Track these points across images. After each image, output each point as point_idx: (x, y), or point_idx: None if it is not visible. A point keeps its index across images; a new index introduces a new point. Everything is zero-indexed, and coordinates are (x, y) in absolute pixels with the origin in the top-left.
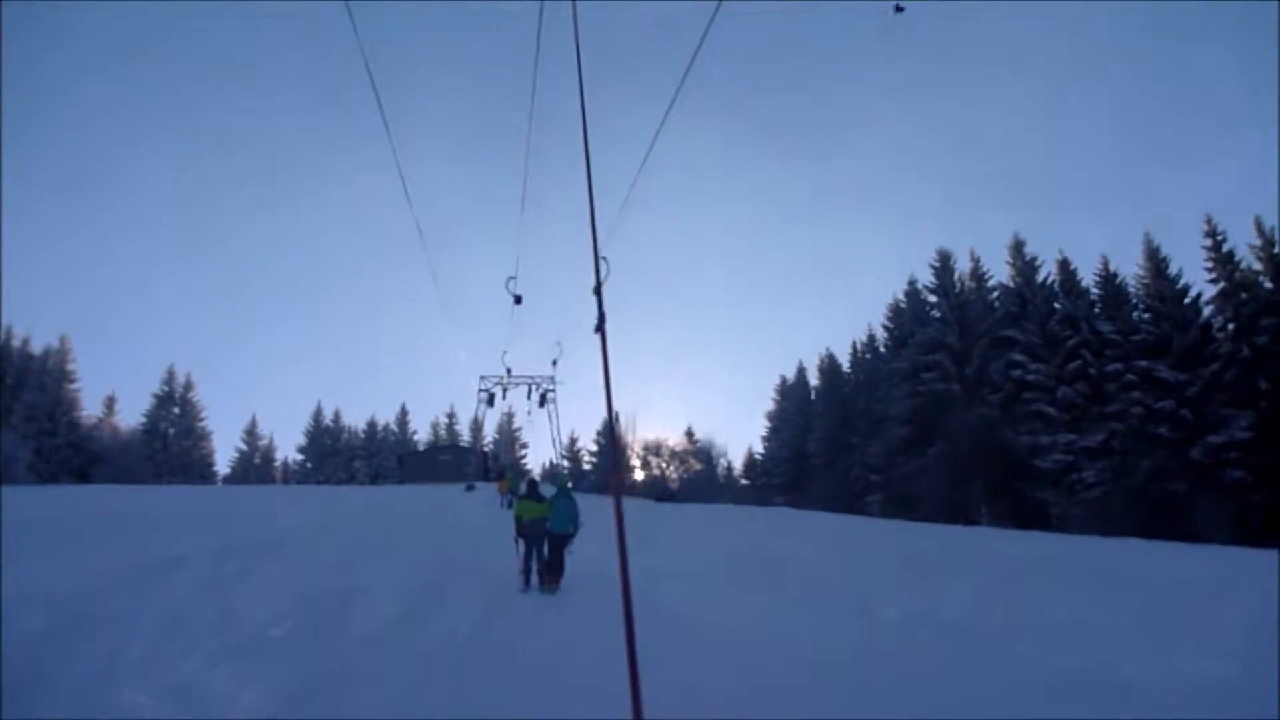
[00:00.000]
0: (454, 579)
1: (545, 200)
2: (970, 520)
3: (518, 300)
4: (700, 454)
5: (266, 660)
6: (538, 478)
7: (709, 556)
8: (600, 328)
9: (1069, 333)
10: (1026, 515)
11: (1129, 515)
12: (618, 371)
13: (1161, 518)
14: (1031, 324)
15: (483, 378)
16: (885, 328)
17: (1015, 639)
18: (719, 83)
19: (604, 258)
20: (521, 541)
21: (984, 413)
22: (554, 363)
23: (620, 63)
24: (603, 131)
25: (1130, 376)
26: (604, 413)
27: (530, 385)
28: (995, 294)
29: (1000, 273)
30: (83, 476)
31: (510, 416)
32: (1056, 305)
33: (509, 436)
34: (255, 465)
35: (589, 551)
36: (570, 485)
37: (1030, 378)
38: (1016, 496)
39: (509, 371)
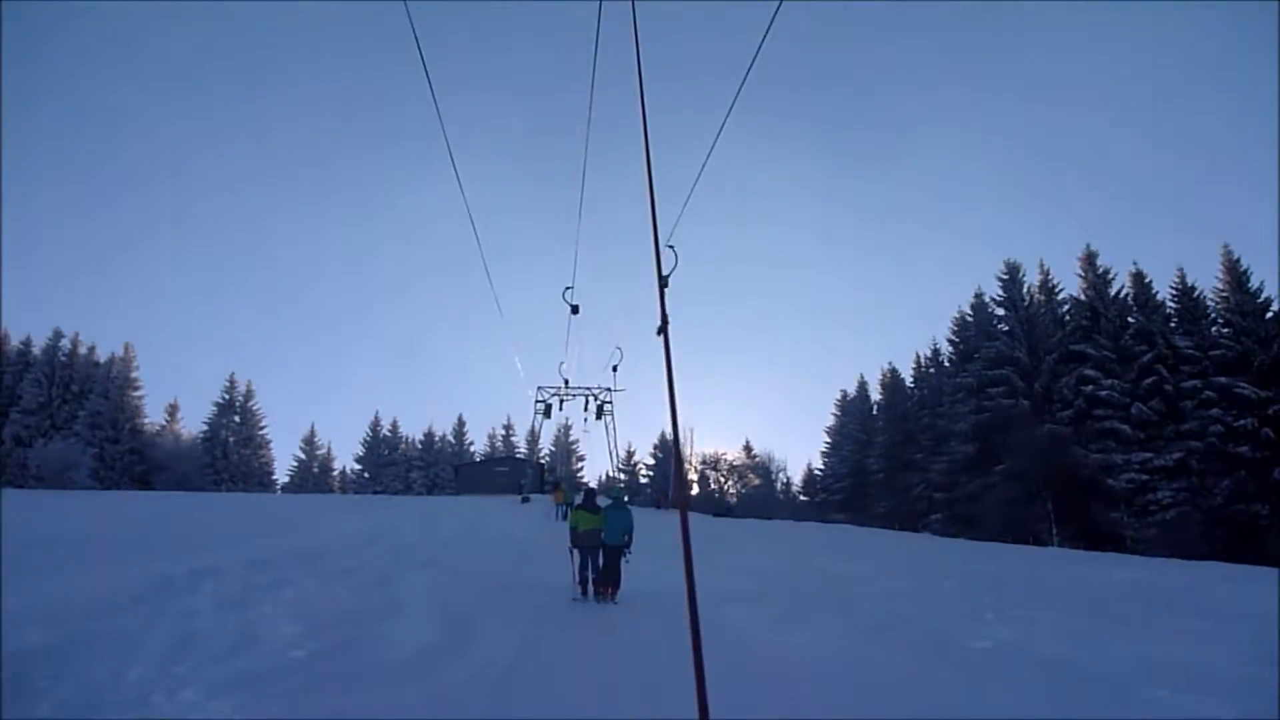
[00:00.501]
0: (501, 596)
1: (603, 207)
2: (1039, 541)
3: (575, 310)
4: (759, 469)
5: (277, 690)
6: (594, 489)
7: (772, 576)
8: (663, 328)
9: (1143, 347)
10: (1098, 537)
11: (1206, 538)
12: (677, 382)
13: (1242, 541)
14: (1104, 338)
15: (540, 388)
16: (950, 341)
17: (1144, 682)
18: (786, 84)
19: (670, 246)
20: (576, 552)
21: (1053, 429)
22: (614, 369)
23: (677, 64)
24: (660, 136)
25: (1209, 393)
26: (661, 427)
27: (587, 396)
28: (1066, 307)
29: (1071, 285)
30: (145, 483)
31: (567, 429)
32: (1130, 319)
33: (565, 449)
34: (314, 474)
35: (646, 568)
36: (625, 498)
37: (1103, 394)
38: (1087, 517)
39: (566, 383)
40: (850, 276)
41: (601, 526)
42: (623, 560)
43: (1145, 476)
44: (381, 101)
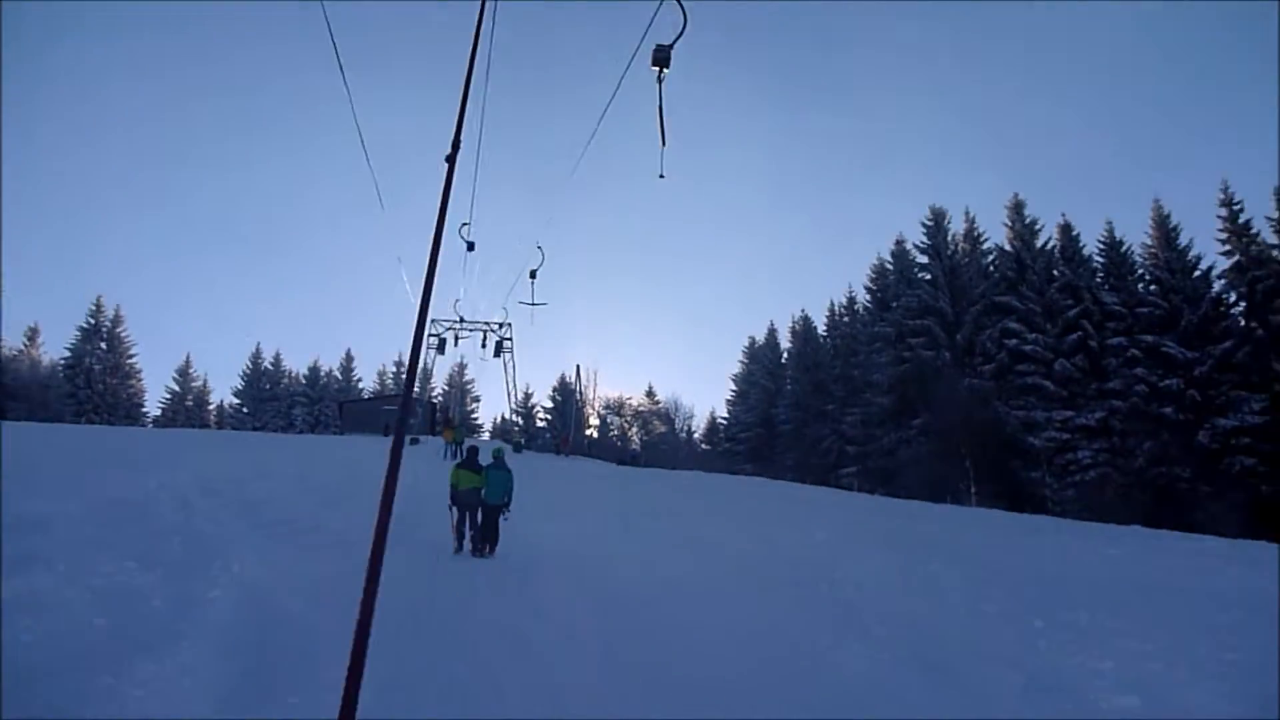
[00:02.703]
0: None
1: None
2: (956, 499)
3: (470, 247)
4: (663, 415)
5: None
6: (487, 437)
7: (718, 551)
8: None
9: (1069, 302)
10: (1017, 497)
11: (1126, 500)
12: (580, 318)
13: (1160, 505)
14: (1029, 291)
15: (433, 321)
16: (868, 289)
17: None
18: (718, 24)
19: None
20: (455, 509)
21: (975, 384)
22: (532, 274)
23: None
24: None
25: (1134, 351)
26: (562, 370)
27: (485, 331)
28: (991, 257)
29: (997, 235)
30: None
31: (462, 368)
32: (1056, 272)
33: (460, 389)
34: (187, 407)
35: (546, 529)
36: (504, 456)
37: (1026, 348)
38: (1007, 476)
39: (461, 319)
40: (767, 222)
41: (482, 485)
42: (501, 518)
43: (1066, 435)
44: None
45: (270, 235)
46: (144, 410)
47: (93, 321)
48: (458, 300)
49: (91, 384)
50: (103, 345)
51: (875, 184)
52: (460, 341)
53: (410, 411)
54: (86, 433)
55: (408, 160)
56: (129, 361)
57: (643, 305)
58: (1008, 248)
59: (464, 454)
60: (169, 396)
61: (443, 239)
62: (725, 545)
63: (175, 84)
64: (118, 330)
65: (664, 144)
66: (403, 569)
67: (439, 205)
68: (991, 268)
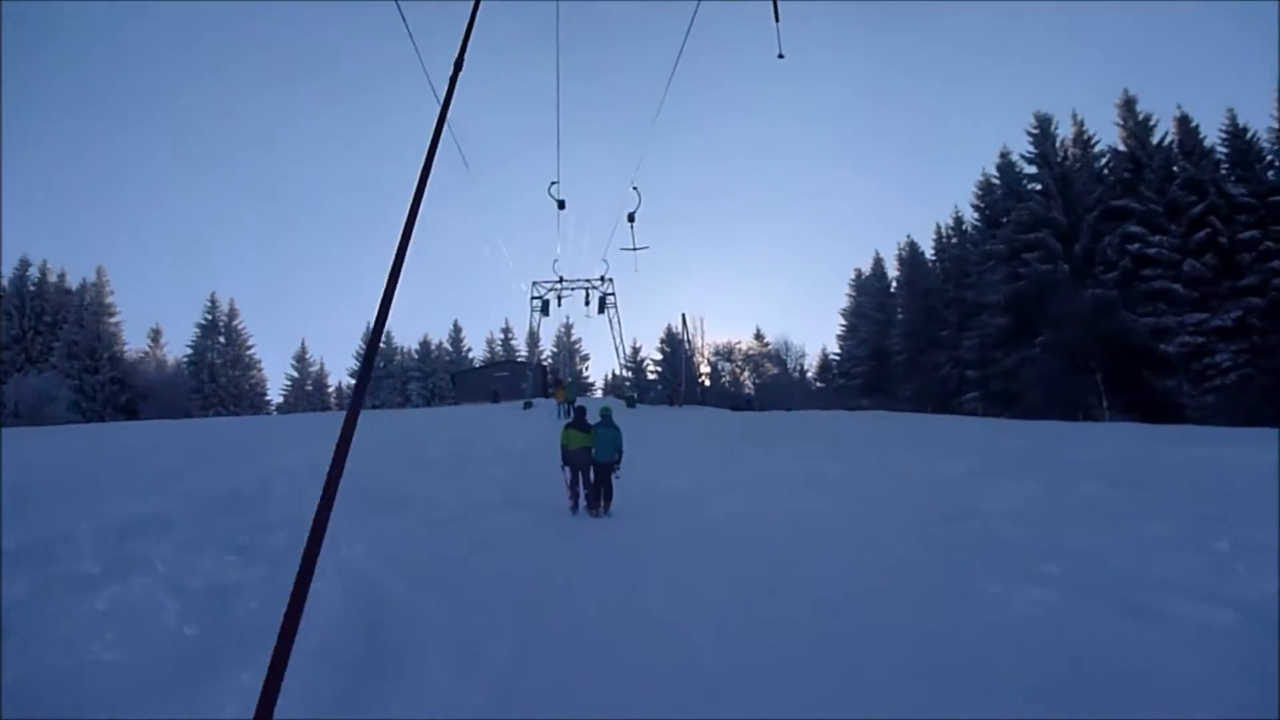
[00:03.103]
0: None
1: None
2: (1088, 416)
3: (561, 205)
4: (774, 357)
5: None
6: (599, 395)
7: (855, 493)
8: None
9: (1193, 198)
10: (1152, 408)
11: (1272, 401)
12: (683, 268)
13: None
14: (1149, 191)
15: (535, 283)
16: (975, 207)
17: None
18: None
19: None
20: (568, 469)
21: (1097, 294)
22: (630, 217)
23: None
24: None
25: (1269, 244)
26: (668, 320)
27: (587, 289)
28: (1104, 160)
29: (1108, 136)
30: (130, 413)
31: (569, 328)
32: (1176, 169)
33: (568, 349)
34: (307, 392)
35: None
36: (612, 414)
37: (1150, 251)
38: (1139, 387)
39: (560, 279)
40: (862, 151)
41: (591, 444)
42: (613, 476)
43: (1201, 339)
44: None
45: (367, 213)
46: (267, 399)
47: (209, 317)
48: (556, 260)
49: (215, 378)
50: (221, 339)
51: (972, 98)
52: (563, 301)
53: (366, 377)
54: (207, 426)
55: (500, 127)
56: (248, 353)
57: (744, 248)
58: (1121, 148)
59: (573, 415)
60: (289, 383)
61: (436, 153)
62: (858, 485)
63: (260, 68)
64: (234, 323)
65: (777, 20)
66: (522, 532)
67: (436, 119)
68: (1105, 171)
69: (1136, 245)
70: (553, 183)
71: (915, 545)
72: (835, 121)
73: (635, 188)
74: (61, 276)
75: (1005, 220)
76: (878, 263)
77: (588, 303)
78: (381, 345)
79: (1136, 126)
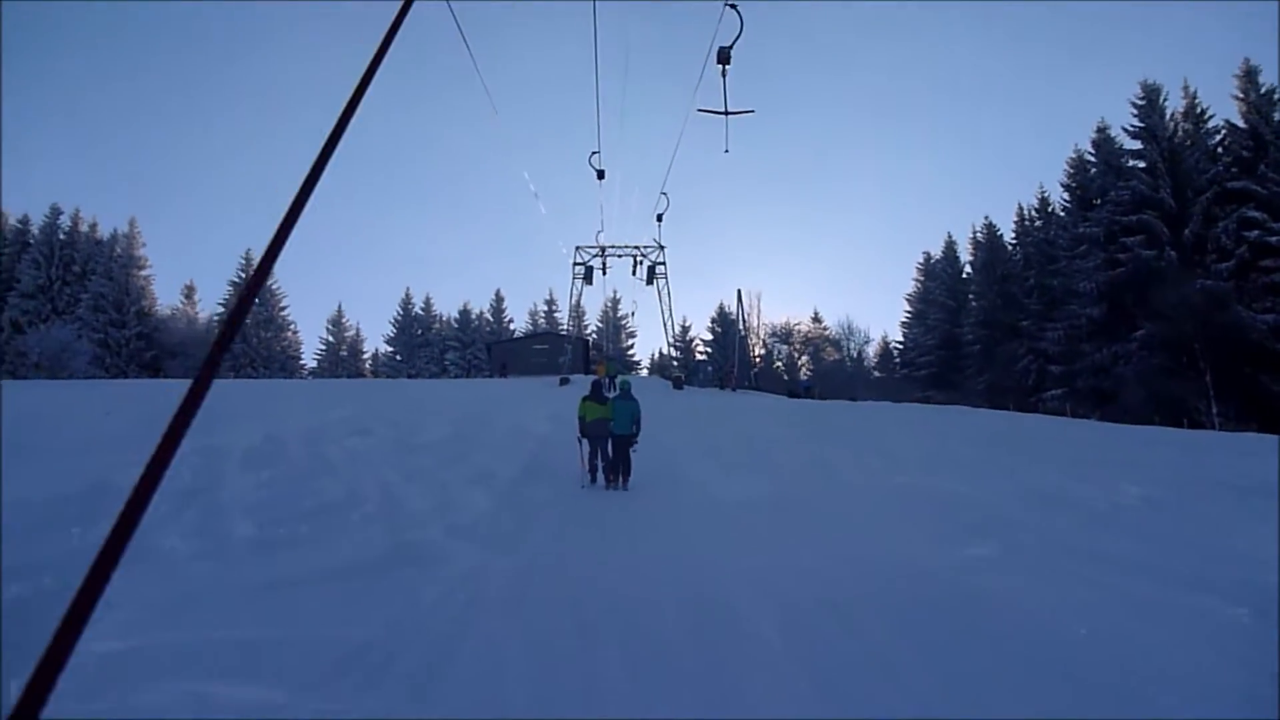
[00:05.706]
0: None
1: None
2: (1193, 422)
3: (601, 175)
4: (834, 341)
5: None
6: (645, 373)
7: (967, 509)
8: None
9: None
10: (1269, 414)
11: None
12: (741, 244)
13: None
14: (1272, 172)
15: (578, 249)
16: (1065, 186)
17: None
18: None
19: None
20: (586, 441)
21: (1209, 286)
22: (659, 218)
23: None
24: None
25: None
26: (720, 299)
27: (635, 256)
28: (1220, 136)
29: (1225, 110)
30: (155, 370)
31: (615, 303)
32: None
33: (613, 324)
34: (342, 358)
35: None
36: (630, 386)
37: (1272, 240)
38: (1255, 390)
39: (603, 250)
40: (934, 125)
41: (609, 416)
42: (631, 450)
43: None
44: None
45: (413, 174)
46: (300, 362)
47: (243, 275)
48: (600, 231)
49: (246, 338)
50: (255, 299)
51: (1064, 66)
52: (609, 273)
53: (229, 335)
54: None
55: (542, 95)
56: (282, 314)
57: (801, 226)
58: (1240, 124)
59: (590, 389)
60: (324, 348)
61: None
62: (1019, 517)
63: (310, 19)
64: (269, 283)
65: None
66: (546, 506)
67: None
68: (1220, 149)
69: (1256, 232)
70: (593, 152)
71: (1073, 594)
72: (908, 92)
73: (665, 193)
74: (94, 226)
75: (1101, 201)
76: (949, 246)
77: (635, 272)
78: (419, 311)
79: (1259, 99)
